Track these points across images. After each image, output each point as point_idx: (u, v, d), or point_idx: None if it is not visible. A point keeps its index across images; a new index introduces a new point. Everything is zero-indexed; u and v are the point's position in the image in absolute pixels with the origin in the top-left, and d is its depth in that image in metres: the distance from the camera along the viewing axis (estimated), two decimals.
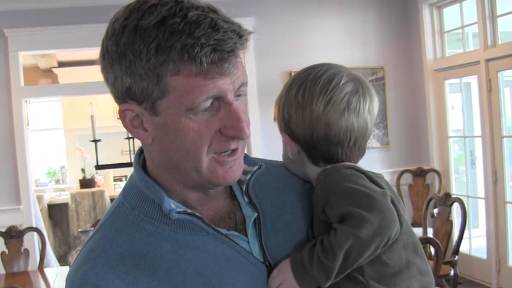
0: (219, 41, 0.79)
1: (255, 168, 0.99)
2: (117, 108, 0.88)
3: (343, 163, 1.02)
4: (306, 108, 1.01)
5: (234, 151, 0.89)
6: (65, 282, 0.89)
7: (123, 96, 0.85)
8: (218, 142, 0.86)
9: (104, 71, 0.86)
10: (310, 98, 1.01)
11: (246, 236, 0.95)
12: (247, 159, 0.99)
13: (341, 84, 1.01)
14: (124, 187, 0.98)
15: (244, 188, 0.98)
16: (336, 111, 1.00)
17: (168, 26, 0.79)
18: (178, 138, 0.84)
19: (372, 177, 0.99)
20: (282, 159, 1.11)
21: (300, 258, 0.94)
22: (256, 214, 0.96)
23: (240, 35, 0.82)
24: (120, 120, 0.88)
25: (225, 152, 0.88)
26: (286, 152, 1.07)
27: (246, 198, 0.98)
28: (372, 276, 0.95)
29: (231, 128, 0.85)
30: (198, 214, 0.89)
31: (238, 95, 0.87)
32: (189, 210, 0.89)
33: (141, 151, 0.97)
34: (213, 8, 0.83)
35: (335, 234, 0.91)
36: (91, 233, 0.95)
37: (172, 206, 0.88)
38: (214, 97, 0.83)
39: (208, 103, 0.83)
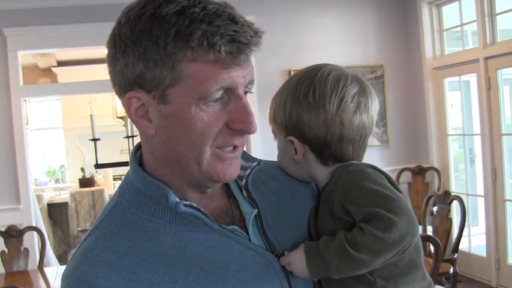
0: (237, 32, 0.81)
1: (255, 163, 1.00)
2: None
3: (363, 162, 1.04)
4: (318, 109, 1.01)
5: (235, 148, 0.89)
6: (60, 282, 0.88)
7: (131, 84, 0.85)
8: (223, 136, 0.86)
9: (114, 58, 0.85)
10: (322, 98, 1.01)
11: (247, 233, 0.94)
12: (245, 156, 1.00)
13: (348, 83, 1.02)
14: (120, 186, 0.97)
15: (243, 182, 0.98)
16: (349, 110, 1.01)
17: (188, 15, 0.80)
18: (186, 128, 0.84)
19: (390, 178, 1.00)
20: (278, 162, 1.10)
21: (316, 243, 0.94)
22: (257, 211, 0.96)
23: (255, 31, 0.85)
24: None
25: (227, 147, 0.88)
26: (289, 154, 1.06)
27: (245, 192, 0.98)
28: (380, 274, 0.96)
29: (239, 122, 0.86)
30: (202, 209, 0.89)
31: (245, 92, 0.88)
32: (194, 204, 0.88)
33: (137, 148, 0.96)
34: (229, 4, 0.85)
35: (363, 233, 0.91)
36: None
37: (177, 199, 0.88)
38: (227, 88, 0.84)
39: (219, 94, 0.84)
